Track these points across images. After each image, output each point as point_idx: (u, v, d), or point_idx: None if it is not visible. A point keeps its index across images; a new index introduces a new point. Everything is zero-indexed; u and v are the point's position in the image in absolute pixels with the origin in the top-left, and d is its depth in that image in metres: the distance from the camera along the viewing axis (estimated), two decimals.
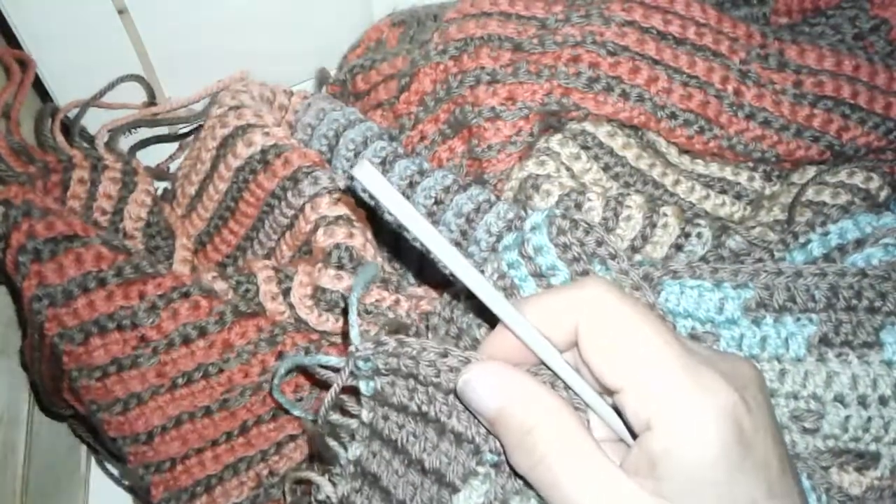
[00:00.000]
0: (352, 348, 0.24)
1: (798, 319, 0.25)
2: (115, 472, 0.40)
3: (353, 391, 0.25)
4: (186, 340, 0.31)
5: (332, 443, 0.25)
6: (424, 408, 0.23)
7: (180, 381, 0.32)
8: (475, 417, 0.22)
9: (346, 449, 0.25)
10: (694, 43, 0.33)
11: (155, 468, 0.32)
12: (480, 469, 0.22)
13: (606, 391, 0.20)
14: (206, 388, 0.32)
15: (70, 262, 0.30)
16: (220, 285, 0.33)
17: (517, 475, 0.21)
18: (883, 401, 0.24)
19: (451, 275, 0.20)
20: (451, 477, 0.22)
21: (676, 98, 0.33)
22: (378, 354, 0.23)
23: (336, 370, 0.25)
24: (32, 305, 0.30)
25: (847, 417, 0.24)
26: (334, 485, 0.25)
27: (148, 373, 0.31)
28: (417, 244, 0.23)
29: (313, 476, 0.26)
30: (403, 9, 0.43)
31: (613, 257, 0.24)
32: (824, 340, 0.25)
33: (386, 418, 0.24)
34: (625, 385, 0.19)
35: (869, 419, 0.24)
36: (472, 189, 0.33)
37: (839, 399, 0.25)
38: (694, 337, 0.25)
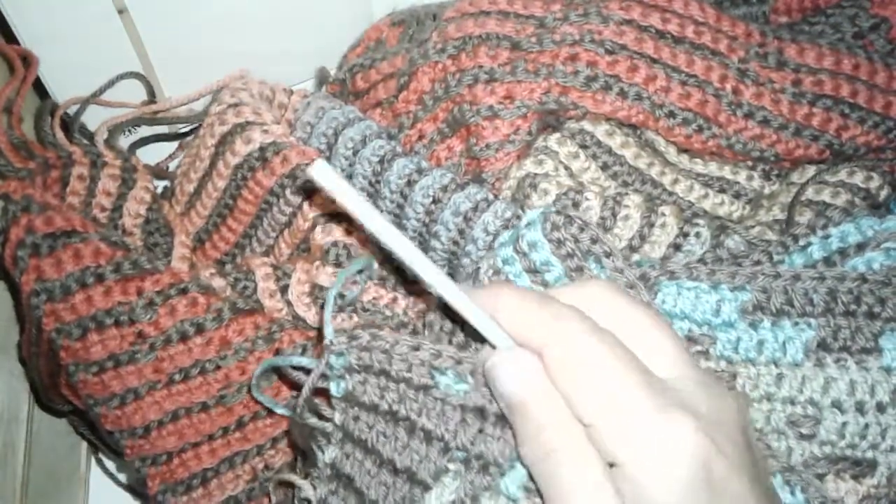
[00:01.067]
0: (326, 342, 0.24)
1: (796, 324, 0.24)
2: (114, 472, 0.40)
3: (328, 394, 0.25)
4: (184, 337, 0.31)
5: (312, 445, 0.25)
6: (395, 406, 0.23)
7: (177, 377, 0.32)
8: (445, 414, 0.22)
9: (322, 452, 0.25)
10: (692, 41, 0.33)
11: (151, 461, 0.32)
12: (451, 466, 0.22)
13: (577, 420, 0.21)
14: (202, 385, 0.32)
15: (68, 258, 0.30)
16: (218, 282, 0.33)
17: (519, 468, 0.21)
18: (880, 407, 0.24)
19: (402, 262, 0.20)
20: (422, 475, 0.22)
21: (675, 97, 0.32)
22: (351, 349, 0.23)
23: (309, 371, 0.25)
24: (30, 300, 0.30)
25: (844, 424, 0.24)
26: (314, 487, 0.25)
27: (145, 368, 0.31)
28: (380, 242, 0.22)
29: (295, 479, 0.26)
30: (403, 8, 0.43)
31: (608, 255, 0.24)
32: (822, 345, 0.24)
33: (357, 419, 0.24)
34: (594, 422, 0.19)
35: (866, 426, 0.24)
36: (469, 188, 0.32)
37: (836, 405, 0.24)
38: (690, 339, 0.25)
